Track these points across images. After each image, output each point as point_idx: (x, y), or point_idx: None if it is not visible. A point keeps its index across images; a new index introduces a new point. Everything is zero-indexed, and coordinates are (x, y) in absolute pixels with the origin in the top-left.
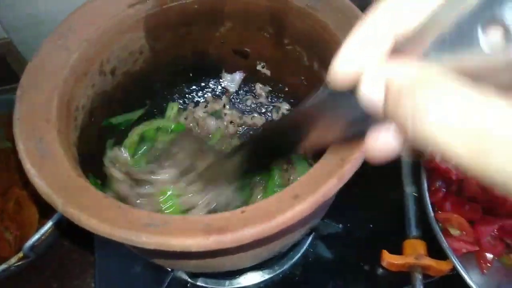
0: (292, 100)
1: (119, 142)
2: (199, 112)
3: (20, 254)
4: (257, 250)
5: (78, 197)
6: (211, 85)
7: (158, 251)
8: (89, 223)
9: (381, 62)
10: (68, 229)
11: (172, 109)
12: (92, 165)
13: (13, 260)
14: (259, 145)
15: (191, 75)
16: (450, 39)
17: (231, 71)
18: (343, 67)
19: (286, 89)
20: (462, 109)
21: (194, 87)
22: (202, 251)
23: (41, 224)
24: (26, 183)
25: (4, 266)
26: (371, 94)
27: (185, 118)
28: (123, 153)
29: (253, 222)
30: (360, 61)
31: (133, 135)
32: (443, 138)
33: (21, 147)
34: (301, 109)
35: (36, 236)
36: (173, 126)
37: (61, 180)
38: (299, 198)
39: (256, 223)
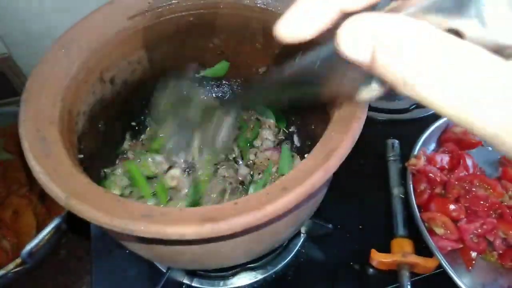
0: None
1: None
2: None
3: (18, 260)
4: (250, 243)
5: (80, 192)
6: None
7: (155, 240)
8: (91, 214)
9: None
10: (65, 237)
11: None
12: (91, 166)
13: (11, 265)
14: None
15: None
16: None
17: (226, 80)
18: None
19: None
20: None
21: None
22: (197, 239)
23: (38, 232)
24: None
25: (1, 272)
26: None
27: None
28: None
29: (245, 211)
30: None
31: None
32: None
33: (26, 146)
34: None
35: (34, 242)
36: None
37: (64, 176)
38: (287, 190)
39: (247, 212)
